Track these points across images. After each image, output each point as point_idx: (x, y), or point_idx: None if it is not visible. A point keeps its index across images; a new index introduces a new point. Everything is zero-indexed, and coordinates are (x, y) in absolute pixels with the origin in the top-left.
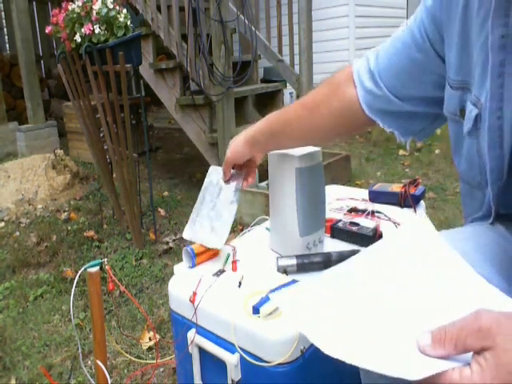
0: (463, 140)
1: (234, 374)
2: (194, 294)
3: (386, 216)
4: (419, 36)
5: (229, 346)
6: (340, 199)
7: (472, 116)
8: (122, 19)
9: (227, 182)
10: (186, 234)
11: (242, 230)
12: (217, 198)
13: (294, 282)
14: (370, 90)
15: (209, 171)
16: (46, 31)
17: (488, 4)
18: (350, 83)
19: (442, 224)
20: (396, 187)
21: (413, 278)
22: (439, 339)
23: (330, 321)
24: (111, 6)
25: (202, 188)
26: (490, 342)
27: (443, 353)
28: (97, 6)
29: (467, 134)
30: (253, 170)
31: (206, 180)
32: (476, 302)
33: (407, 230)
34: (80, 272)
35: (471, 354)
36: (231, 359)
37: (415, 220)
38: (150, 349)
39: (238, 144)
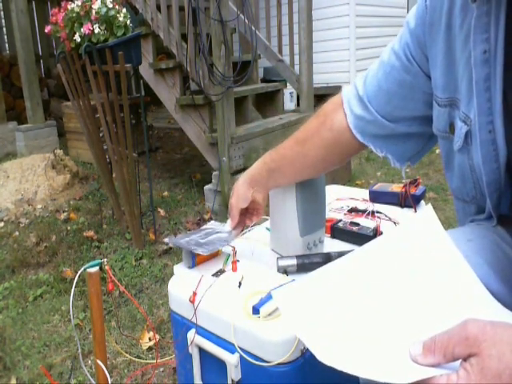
0: (454, 156)
1: (234, 373)
2: (194, 294)
3: (386, 216)
4: (405, 58)
5: (229, 346)
6: (340, 199)
7: (462, 133)
8: (121, 19)
9: (234, 228)
10: (169, 239)
11: (242, 230)
12: (210, 236)
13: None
14: (360, 115)
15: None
16: (46, 31)
17: (469, 20)
18: (338, 111)
19: (442, 224)
20: (396, 187)
21: (411, 277)
22: (429, 348)
23: (325, 325)
24: (111, 6)
25: (202, 227)
26: (475, 349)
27: (433, 361)
28: (96, 6)
29: (458, 150)
30: (259, 211)
31: (210, 223)
32: (471, 311)
33: (409, 223)
34: (80, 272)
35: (459, 362)
36: (231, 359)
37: (419, 213)
38: (149, 349)
39: (239, 188)
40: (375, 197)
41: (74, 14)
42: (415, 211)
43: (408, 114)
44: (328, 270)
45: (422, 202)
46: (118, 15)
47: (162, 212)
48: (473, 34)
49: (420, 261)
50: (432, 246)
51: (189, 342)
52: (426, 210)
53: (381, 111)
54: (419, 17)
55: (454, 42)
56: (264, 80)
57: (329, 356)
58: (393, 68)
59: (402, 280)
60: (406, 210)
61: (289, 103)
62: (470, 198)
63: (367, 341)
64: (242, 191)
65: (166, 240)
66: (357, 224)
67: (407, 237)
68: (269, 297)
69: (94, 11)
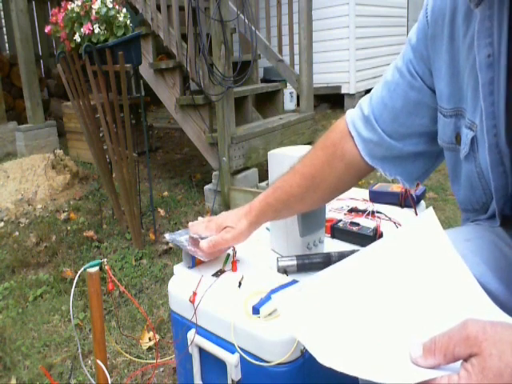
0: (461, 167)
1: (234, 373)
2: (194, 294)
3: (386, 216)
4: (409, 75)
5: (229, 346)
6: (340, 199)
7: (468, 139)
8: (121, 19)
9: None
10: (168, 236)
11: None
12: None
13: (294, 282)
14: (367, 138)
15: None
16: (46, 31)
17: (473, 27)
18: (346, 138)
19: (442, 224)
20: (396, 187)
21: (411, 280)
22: (429, 349)
23: (324, 327)
24: (111, 6)
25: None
26: (476, 348)
27: (434, 362)
28: (96, 6)
29: (464, 158)
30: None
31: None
32: (469, 313)
33: (410, 226)
34: (80, 272)
35: (459, 363)
36: (231, 359)
37: (420, 215)
38: (149, 349)
39: (241, 233)
40: (375, 197)
41: (74, 14)
42: (415, 211)
43: (414, 131)
44: (328, 273)
45: (422, 201)
46: (118, 15)
47: (161, 212)
48: (476, 39)
49: (420, 264)
50: (432, 250)
51: (189, 342)
52: (427, 212)
53: (387, 129)
54: (420, 31)
55: (458, 52)
56: (264, 80)
57: (328, 357)
58: (397, 85)
59: (401, 283)
60: (406, 209)
61: (289, 103)
62: (479, 206)
63: (367, 342)
64: (243, 238)
65: (166, 235)
66: (357, 224)
67: (408, 240)
68: (269, 297)
69: (93, 11)
